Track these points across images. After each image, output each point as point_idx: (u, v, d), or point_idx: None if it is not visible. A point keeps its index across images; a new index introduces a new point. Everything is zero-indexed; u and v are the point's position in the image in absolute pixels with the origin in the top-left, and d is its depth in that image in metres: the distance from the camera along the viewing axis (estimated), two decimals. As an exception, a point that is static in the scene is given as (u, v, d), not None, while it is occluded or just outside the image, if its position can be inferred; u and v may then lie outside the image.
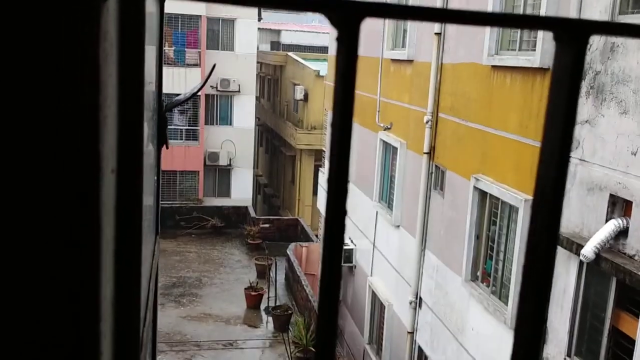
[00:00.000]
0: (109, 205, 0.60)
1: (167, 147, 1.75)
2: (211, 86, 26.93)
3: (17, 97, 0.44)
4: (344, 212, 0.49)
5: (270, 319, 17.70)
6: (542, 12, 7.69)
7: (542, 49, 7.65)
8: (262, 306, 18.59)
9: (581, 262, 6.79)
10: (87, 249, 0.49)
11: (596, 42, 6.76)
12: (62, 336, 0.48)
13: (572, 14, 7.10)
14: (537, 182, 0.57)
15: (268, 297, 18.44)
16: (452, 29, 10.34)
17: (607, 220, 6.46)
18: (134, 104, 0.69)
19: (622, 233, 6.31)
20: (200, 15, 26.21)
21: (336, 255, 0.48)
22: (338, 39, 0.51)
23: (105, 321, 0.59)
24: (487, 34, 8.96)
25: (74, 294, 0.49)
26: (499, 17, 0.57)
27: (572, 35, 0.55)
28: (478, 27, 0.56)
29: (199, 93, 26.22)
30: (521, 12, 8.46)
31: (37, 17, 0.44)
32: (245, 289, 18.77)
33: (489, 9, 8.91)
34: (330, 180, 0.52)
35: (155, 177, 1.67)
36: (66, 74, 0.44)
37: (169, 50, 26.18)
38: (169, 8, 26.78)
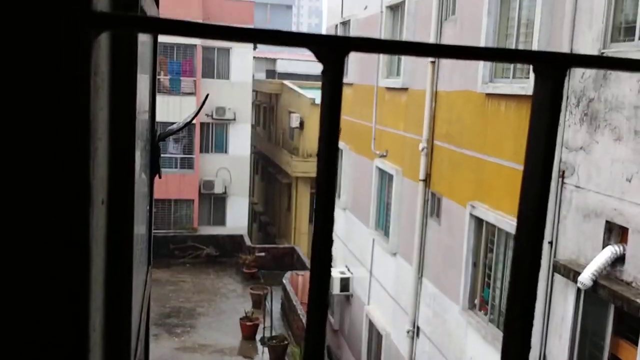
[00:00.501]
0: (100, 236, 0.60)
1: (159, 177, 1.75)
2: (206, 114, 27.03)
3: (8, 128, 0.45)
4: (330, 239, 0.50)
5: (266, 349, 17.49)
6: (535, 40, 7.79)
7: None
8: (258, 337, 18.38)
9: (579, 290, 6.76)
10: (75, 279, 0.49)
11: (588, 69, 6.85)
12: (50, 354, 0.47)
13: (565, 42, 7.20)
14: (518, 216, 0.58)
15: (264, 327, 18.25)
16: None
17: (603, 247, 6.46)
18: (126, 136, 0.69)
19: (619, 260, 6.29)
20: (196, 45, 26.44)
21: (324, 287, 0.48)
22: (323, 72, 0.53)
23: (95, 353, 0.59)
24: (481, 62, 9.06)
25: (61, 323, 0.49)
26: (479, 51, 0.58)
27: (551, 68, 0.56)
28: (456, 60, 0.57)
29: (194, 121, 26.31)
30: (514, 40, 8.57)
31: (30, 51, 0.45)
32: (240, 319, 18.58)
33: (482, 37, 9.02)
34: (317, 211, 0.52)
35: (148, 207, 1.67)
36: (56, 108, 0.45)
37: (164, 79, 26.33)
38: (164, 37, 27.06)
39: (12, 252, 0.47)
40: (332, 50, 0.51)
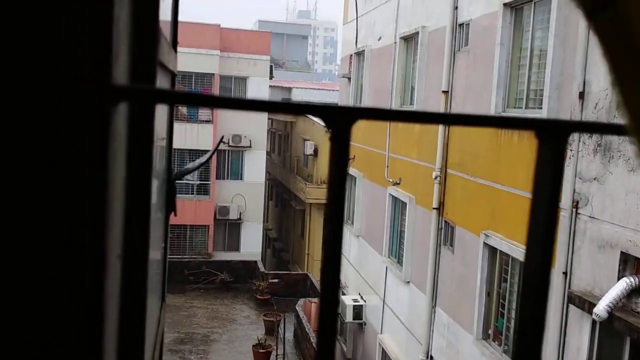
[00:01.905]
0: (114, 291, 0.63)
1: (175, 215, 1.79)
2: (223, 142, 27.24)
3: (28, 191, 0.48)
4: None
5: (279, 377, 17.34)
6: (548, 70, 7.81)
7: (548, 106, 7.75)
8: (271, 364, 18.24)
9: (594, 321, 6.68)
10: (90, 334, 0.51)
11: (602, 100, 6.84)
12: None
13: (578, 72, 7.21)
14: (524, 279, 0.59)
15: (276, 355, 18.12)
16: (459, 86, 10.50)
17: (619, 278, 6.39)
18: (141, 199, 0.72)
19: (635, 291, 6.22)
20: (214, 74, 26.77)
21: (332, 313, 0.51)
22: (331, 139, 0.55)
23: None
24: (494, 90, 9.10)
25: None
26: (482, 118, 0.61)
27: (552, 134, 0.58)
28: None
29: (211, 148, 26.51)
30: (527, 70, 8.60)
31: (51, 119, 0.48)
32: (253, 346, 18.48)
33: (495, 68, 9.07)
34: (323, 274, 0.55)
35: (163, 245, 1.70)
36: (75, 174, 0.48)
37: (182, 107, 26.63)
38: (182, 66, 27.24)
39: (24, 305, 0.49)
40: (341, 119, 0.54)
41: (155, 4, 0.79)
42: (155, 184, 1.35)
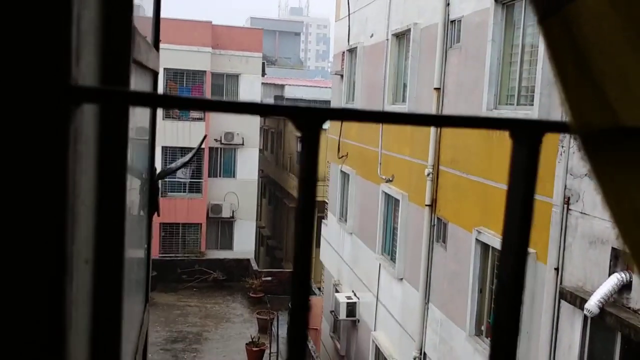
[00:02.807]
0: (82, 296, 0.61)
1: (158, 215, 1.77)
2: (215, 139, 27.20)
3: None
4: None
5: (273, 374, 17.35)
6: (539, 67, 7.81)
7: (540, 104, 7.76)
8: (264, 362, 18.24)
9: (585, 317, 6.70)
10: (52, 340, 0.50)
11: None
12: None
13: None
14: (499, 280, 0.59)
15: (270, 353, 18.13)
16: (451, 83, 10.51)
17: (610, 274, 6.41)
18: (115, 193, 0.71)
19: (626, 287, 6.24)
20: (205, 71, 26.70)
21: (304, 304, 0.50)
22: (301, 140, 0.55)
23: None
24: (486, 87, 9.11)
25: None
26: (458, 119, 0.60)
27: (527, 134, 0.57)
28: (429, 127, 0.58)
29: (202, 146, 26.46)
30: (518, 67, 8.61)
31: (6, 119, 0.47)
32: (246, 344, 18.47)
33: (487, 64, 9.07)
34: (294, 277, 0.54)
35: (146, 246, 1.69)
36: (31, 176, 0.46)
37: (173, 105, 26.55)
38: (174, 64, 27.10)
39: None
40: (309, 119, 0.53)
41: (128, 4, 0.77)
42: (136, 185, 1.33)
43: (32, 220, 0.47)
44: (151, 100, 0.49)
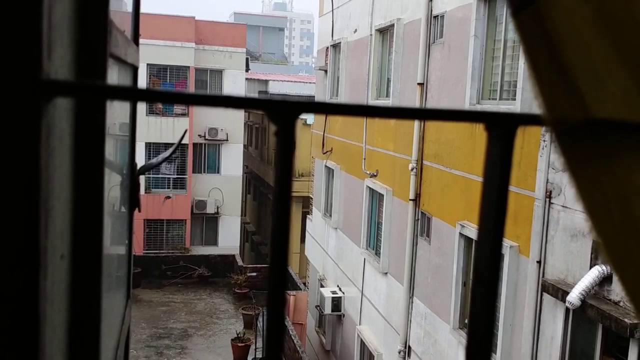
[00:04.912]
0: (58, 291, 0.61)
1: (139, 211, 1.76)
2: (199, 135, 27.09)
3: None
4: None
5: (258, 370, 17.35)
6: (521, 62, 7.87)
7: (522, 98, 7.81)
8: (250, 357, 18.24)
9: (567, 309, 6.77)
10: (26, 337, 0.49)
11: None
12: None
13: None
14: (474, 268, 0.59)
15: (255, 348, 18.13)
16: (434, 78, 10.54)
17: (591, 267, 6.49)
18: (93, 187, 0.70)
19: (607, 279, 6.32)
20: (189, 66, 26.55)
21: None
22: (276, 134, 0.55)
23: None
24: (469, 82, 9.15)
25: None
26: (434, 112, 0.60)
27: (502, 127, 0.58)
28: (411, 121, 0.59)
29: (187, 142, 26.34)
30: (500, 62, 8.66)
31: None
32: (232, 340, 18.45)
33: (469, 60, 9.11)
34: (271, 265, 0.54)
35: (127, 241, 1.68)
36: (1, 172, 0.46)
37: (156, 100, 26.39)
38: (157, 59, 26.91)
39: None
40: (285, 112, 0.53)
41: (104, -4, 0.76)
42: (116, 180, 1.32)
43: (4, 215, 0.46)
44: (123, 93, 0.48)
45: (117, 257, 1.39)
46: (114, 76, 1.08)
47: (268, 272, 0.53)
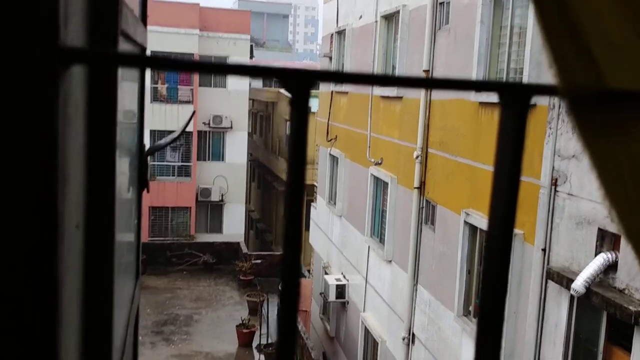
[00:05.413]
0: (74, 260, 0.61)
1: (147, 191, 1.77)
2: (203, 123, 27.09)
3: None
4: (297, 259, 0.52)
5: (263, 356, 17.46)
6: (527, 48, 7.83)
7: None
8: (254, 344, 18.35)
9: (572, 297, 6.78)
10: (43, 305, 0.50)
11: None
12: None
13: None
14: (486, 246, 0.59)
15: (260, 335, 18.23)
16: (440, 65, 10.50)
17: (596, 254, 6.48)
18: (105, 159, 0.71)
19: (612, 267, 6.32)
20: (193, 54, 26.50)
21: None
22: (291, 103, 0.55)
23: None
24: (475, 68, 9.11)
25: (29, 348, 0.50)
26: (447, 82, 0.60)
27: (515, 98, 0.58)
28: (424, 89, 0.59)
29: (191, 130, 26.35)
30: (507, 48, 8.62)
31: None
32: (237, 326, 18.56)
33: (475, 46, 9.07)
34: (285, 235, 0.55)
35: (136, 221, 1.69)
36: (21, 141, 0.46)
37: (162, 88, 26.38)
38: (162, 46, 26.85)
39: None
40: (299, 82, 0.54)
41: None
42: (125, 158, 1.33)
43: (25, 180, 0.47)
44: (138, 61, 0.49)
45: (127, 236, 1.40)
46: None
47: (282, 240, 0.53)
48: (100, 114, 0.68)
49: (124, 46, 0.97)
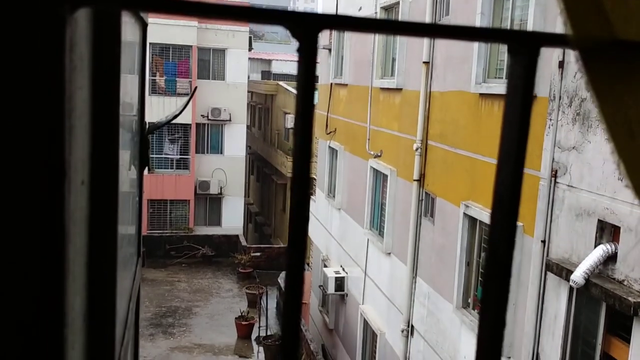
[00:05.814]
0: (80, 215, 0.61)
1: (149, 170, 1.76)
2: (202, 115, 27.03)
3: None
4: (306, 214, 0.51)
5: (262, 348, 17.49)
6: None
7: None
8: (253, 336, 18.39)
9: (571, 288, 6.79)
10: (50, 258, 0.49)
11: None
12: (24, 338, 0.48)
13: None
14: (495, 191, 0.59)
15: (259, 327, 18.26)
16: (440, 57, 10.48)
17: (595, 246, 6.49)
18: (109, 117, 0.70)
19: (611, 258, 6.33)
20: (192, 46, 26.42)
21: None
22: (298, 50, 0.54)
23: (74, 330, 0.60)
24: (475, 61, 9.09)
25: (36, 302, 0.49)
26: (450, 29, 0.59)
27: (524, 47, 0.57)
28: (440, 38, 0.58)
29: (190, 122, 26.30)
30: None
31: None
32: (236, 318, 18.59)
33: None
34: (293, 190, 0.54)
35: (138, 198, 1.68)
36: (29, 85, 0.45)
37: (160, 80, 26.30)
38: (160, 38, 26.79)
39: None
40: (307, 27, 0.52)
41: None
42: (127, 135, 1.32)
43: (30, 128, 0.46)
44: (141, 3, 0.48)
45: (129, 210, 1.39)
46: (125, 29, 1.08)
47: (291, 194, 0.52)
48: (106, 59, 0.67)
49: (126, 22, 0.96)
